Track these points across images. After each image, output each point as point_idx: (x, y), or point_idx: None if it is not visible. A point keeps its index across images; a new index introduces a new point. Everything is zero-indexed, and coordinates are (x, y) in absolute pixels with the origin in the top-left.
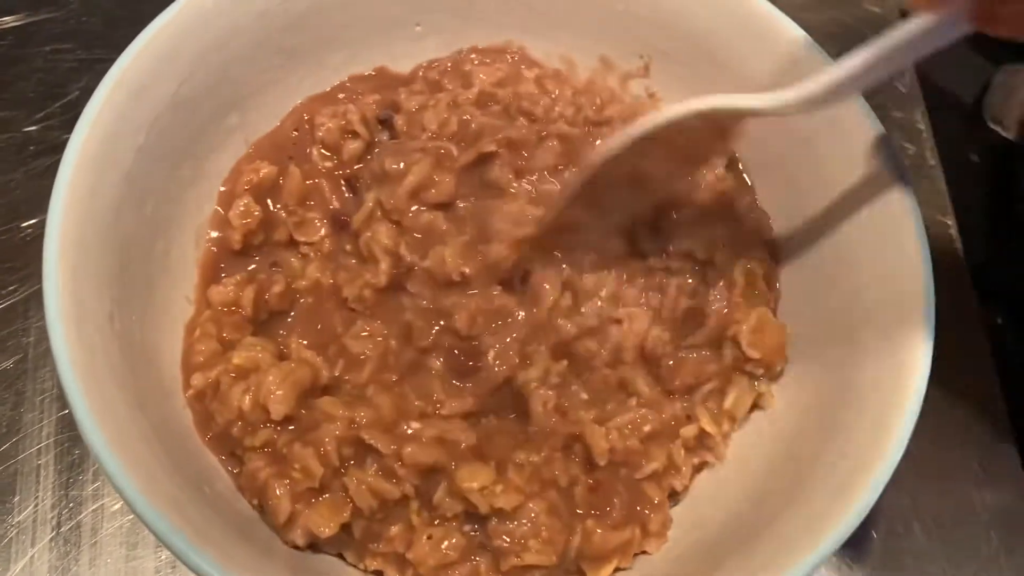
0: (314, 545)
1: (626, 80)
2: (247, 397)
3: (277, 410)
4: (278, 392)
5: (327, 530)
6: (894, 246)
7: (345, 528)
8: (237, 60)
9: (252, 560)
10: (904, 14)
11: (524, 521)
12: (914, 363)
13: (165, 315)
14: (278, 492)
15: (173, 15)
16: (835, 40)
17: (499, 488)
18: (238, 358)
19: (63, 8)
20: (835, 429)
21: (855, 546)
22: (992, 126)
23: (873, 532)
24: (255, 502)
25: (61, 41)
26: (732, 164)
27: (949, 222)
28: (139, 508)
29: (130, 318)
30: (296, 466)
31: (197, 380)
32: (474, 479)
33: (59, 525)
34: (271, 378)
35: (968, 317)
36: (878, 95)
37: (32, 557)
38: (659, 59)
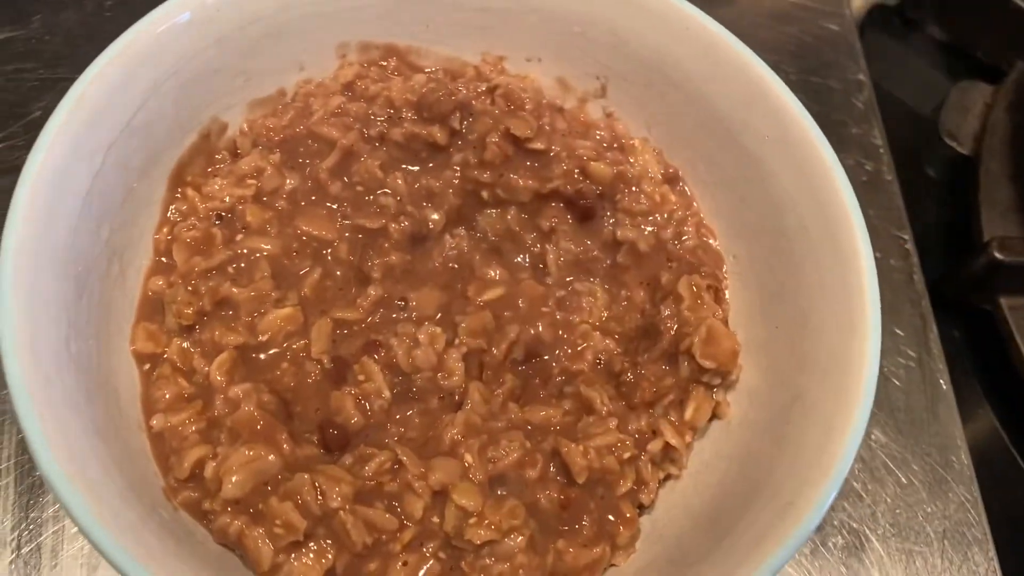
0: None
1: (584, 101)
2: (209, 466)
3: (228, 491)
4: (234, 478)
5: None
6: (841, 264)
7: (329, 570)
8: (194, 84)
9: None
10: (862, 31)
11: (503, 558)
12: (858, 379)
13: (122, 338)
14: (259, 544)
15: (128, 42)
16: (794, 58)
17: (472, 520)
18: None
19: (25, 27)
20: (785, 443)
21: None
22: (948, 141)
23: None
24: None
25: (23, 60)
26: (674, 180)
27: (906, 237)
28: (93, 534)
29: (87, 342)
30: (277, 521)
31: (157, 422)
32: (467, 497)
33: (19, 547)
34: (233, 458)
35: (926, 331)
36: (836, 111)
37: None
38: (615, 80)
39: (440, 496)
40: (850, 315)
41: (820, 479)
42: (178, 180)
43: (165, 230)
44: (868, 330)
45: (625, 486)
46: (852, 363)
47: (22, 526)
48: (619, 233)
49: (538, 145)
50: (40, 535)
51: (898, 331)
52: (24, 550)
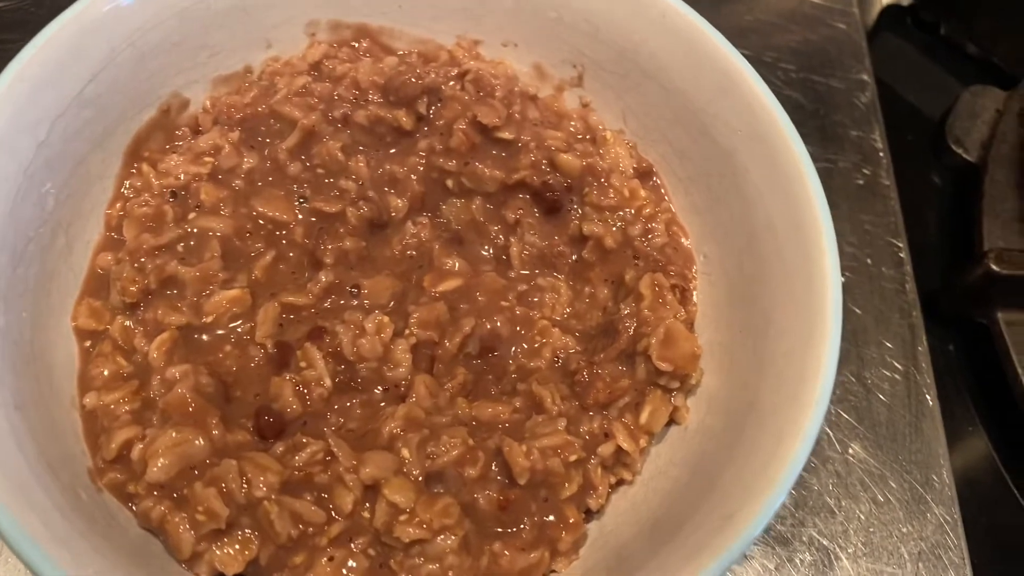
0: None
1: (560, 89)
2: (136, 448)
3: (153, 475)
4: (160, 461)
5: (234, 568)
6: (806, 264)
7: (252, 561)
8: (154, 57)
9: None
10: (874, 32)
11: (433, 558)
12: (812, 388)
13: (63, 313)
14: (179, 531)
15: (80, 10)
16: (797, 55)
17: (403, 517)
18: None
19: None
20: (736, 451)
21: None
22: (954, 148)
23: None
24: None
25: (8, 31)
26: (647, 176)
27: (900, 244)
28: None
29: (19, 315)
30: (200, 508)
31: (90, 400)
32: (399, 493)
33: None
34: (160, 440)
35: (914, 344)
36: (836, 112)
37: None
38: (592, 69)
39: (372, 491)
40: (810, 319)
41: (764, 490)
42: (134, 155)
43: (118, 205)
44: (826, 336)
45: (570, 489)
46: (807, 370)
47: None
48: (586, 228)
49: (506, 134)
50: None
51: (886, 342)
52: None
